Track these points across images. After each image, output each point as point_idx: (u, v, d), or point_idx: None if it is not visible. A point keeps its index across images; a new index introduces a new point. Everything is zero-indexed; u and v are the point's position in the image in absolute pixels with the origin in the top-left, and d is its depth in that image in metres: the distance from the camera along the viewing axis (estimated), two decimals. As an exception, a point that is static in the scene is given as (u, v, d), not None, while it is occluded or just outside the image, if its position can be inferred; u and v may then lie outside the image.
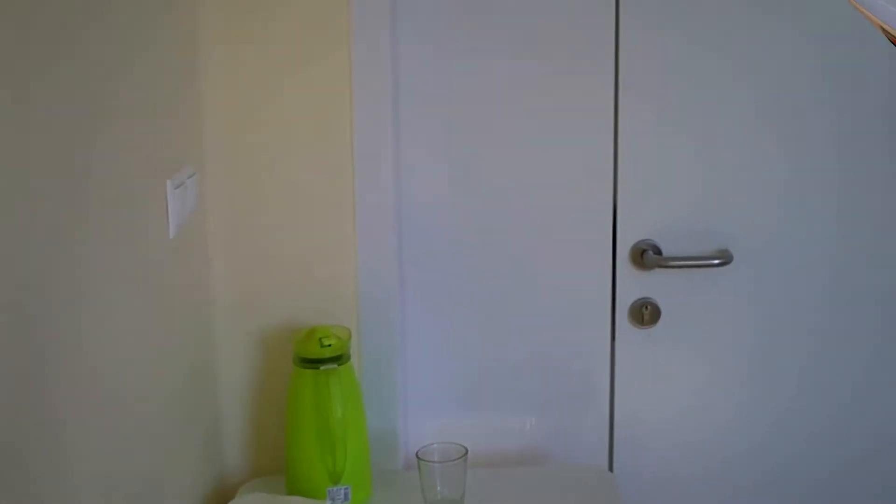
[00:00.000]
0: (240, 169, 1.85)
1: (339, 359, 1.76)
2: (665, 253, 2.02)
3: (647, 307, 2.03)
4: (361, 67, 1.83)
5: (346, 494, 1.76)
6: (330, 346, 1.76)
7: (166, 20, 1.62)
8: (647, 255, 2.00)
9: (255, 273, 1.89)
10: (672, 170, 2.00)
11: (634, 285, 2.03)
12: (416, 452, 1.76)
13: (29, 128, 1.05)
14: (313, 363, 1.76)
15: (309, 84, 1.83)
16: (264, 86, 1.83)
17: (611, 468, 2.09)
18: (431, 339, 2.04)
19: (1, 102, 0.98)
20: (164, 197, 1.56)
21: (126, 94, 1.39)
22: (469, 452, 1.76)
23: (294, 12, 1.81)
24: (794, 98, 1.98)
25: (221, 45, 1.81)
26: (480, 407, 2.07)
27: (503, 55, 1.94)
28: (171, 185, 1.58)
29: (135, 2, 1.44)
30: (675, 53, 1.95)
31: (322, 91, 1.84)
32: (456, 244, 2.01)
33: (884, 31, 0.93)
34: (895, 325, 2.07)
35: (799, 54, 1.96)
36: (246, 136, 1.84)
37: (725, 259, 1.99)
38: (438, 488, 1.73)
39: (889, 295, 2.06)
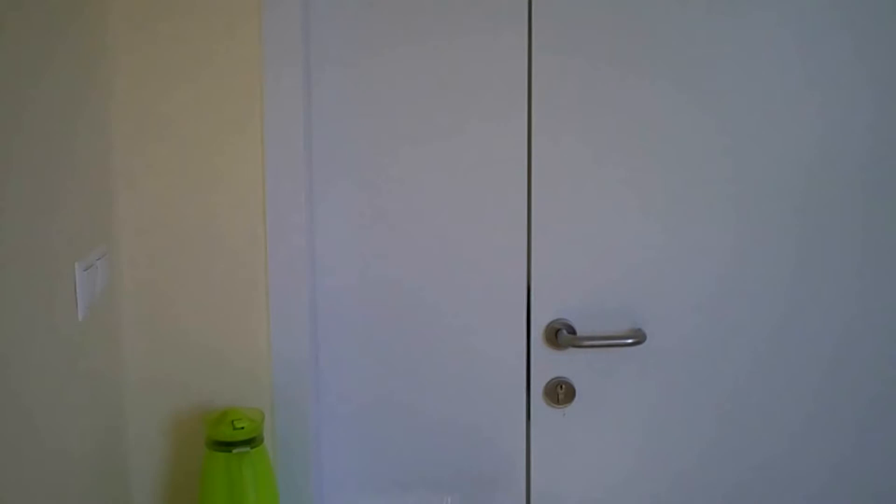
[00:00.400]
0: (152, 249, 1.84)
1: (252, 441, 1.75)
2: (579, 332, 2.04)
3: (561, 386, 2.05)
4: (274, 146, 1.83)
5: (257, 580, 1.74)
6: (242, 428, 1.74)
7: (77, 93, 1.61)
8: (561, 335, 2.02)
9: (168, 354, 1.87)
10: (585, 249, 2.03)
11: (549, 364, 2.05)
12: (330, 536, 1.75)
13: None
14: (225, 446, 1.73)
15: (222, 165, 1.83)
16: (178, 164, 1.82)
17: (528, 548, 2.09)
18: (346, 420, 2.03)
19: None
20: (72, 279, 1.55)
21: (32, 172, 1.38)
22: (383, 535, 1.75)
23: (208, 91, 1.81)
24: (702, 178, 2.03)
25: (133, 125, 1.80)
26: (396, 487, 2.05)
27: (415, 133, 1.97)
28: (79, 267, 1.56)
29: (42, 72, 1.43)
30: (586, 135, 1.99)
31: (235, 172, 1.84)
32: (370, 323, 2.01)
33: None
34: (806, 402, 2.11)
35: (703, 133, 2.02)
36: (158, 216, 1.83)
37: (639, 338, 2.02)
38: (352, 572, 1.71)
39: (803, 374, 2.10)
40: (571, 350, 2.04)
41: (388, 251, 1.99)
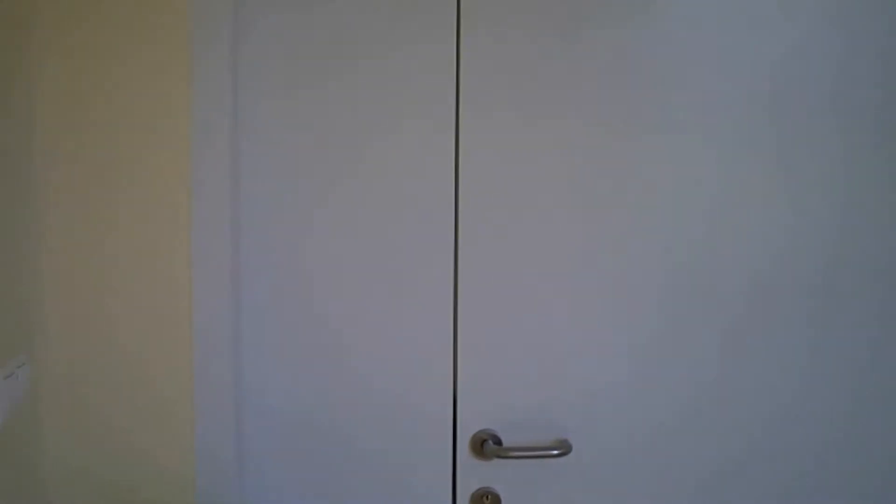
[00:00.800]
0: (75, 358, 1.85)
1: (169, 551, 1.74)
2: (505, 443, 2.05)
3: (487, 497, 2.05)
4: (200, 251, 1.87)
5: None
6: (158, 538, 1.73)
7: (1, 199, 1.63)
8: (487, 445, 2.03)
9: (90, 464, 1.86)
10: (512, 360, 2.04)
11: (475, 475, 2.06)
12: None
13: None
14: (141, 556, 1.73)
15: (149, 274, 1.85)
16: (102, 273, 1.84)
17: None
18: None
19: None
20: (-12, 388, 1.55)
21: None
22: None
23: (137, 202, 1.84)
24: (630, 289, 2.06)
25: (58, 232, 1.82)
26: None
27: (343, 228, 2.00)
28: (-3, 376, 1.57)
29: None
30: (514, 241, 2.03)
31: (161, 278, 1.85)
32: (295, 434, 2.01)
33: None
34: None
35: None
36: (83, 325, 1.84)
37: (564, 449, 2.03)
38: None
39: (728, 484, 2.11)
40: (497, 461, 2.05)
41: (314, 361, 2.01)
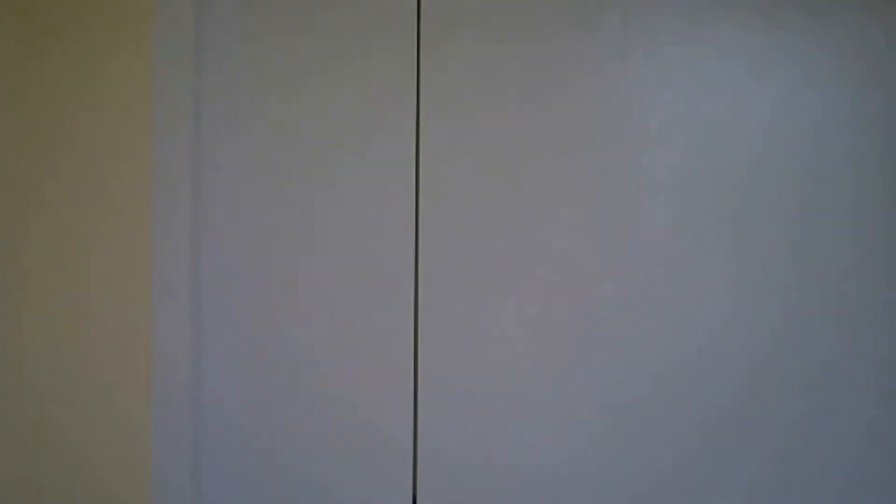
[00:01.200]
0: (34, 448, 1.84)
1: None
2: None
3: None
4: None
5: None
6: None
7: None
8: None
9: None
10: (470, 452, 2.01)
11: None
12: None
13: None
14: None
15: (105, 371, 1.86)
16: (60, 374, 1.85)
17: None
18: None
19: None
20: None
21: None
22: None
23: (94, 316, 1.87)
24: (586, 395, 2.02)
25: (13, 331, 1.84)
26: None
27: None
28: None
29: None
30: (465, 336, 2.01)
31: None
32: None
33: None
34: None
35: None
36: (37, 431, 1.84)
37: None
38: None
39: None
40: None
41: (271, 466, 2.01)
